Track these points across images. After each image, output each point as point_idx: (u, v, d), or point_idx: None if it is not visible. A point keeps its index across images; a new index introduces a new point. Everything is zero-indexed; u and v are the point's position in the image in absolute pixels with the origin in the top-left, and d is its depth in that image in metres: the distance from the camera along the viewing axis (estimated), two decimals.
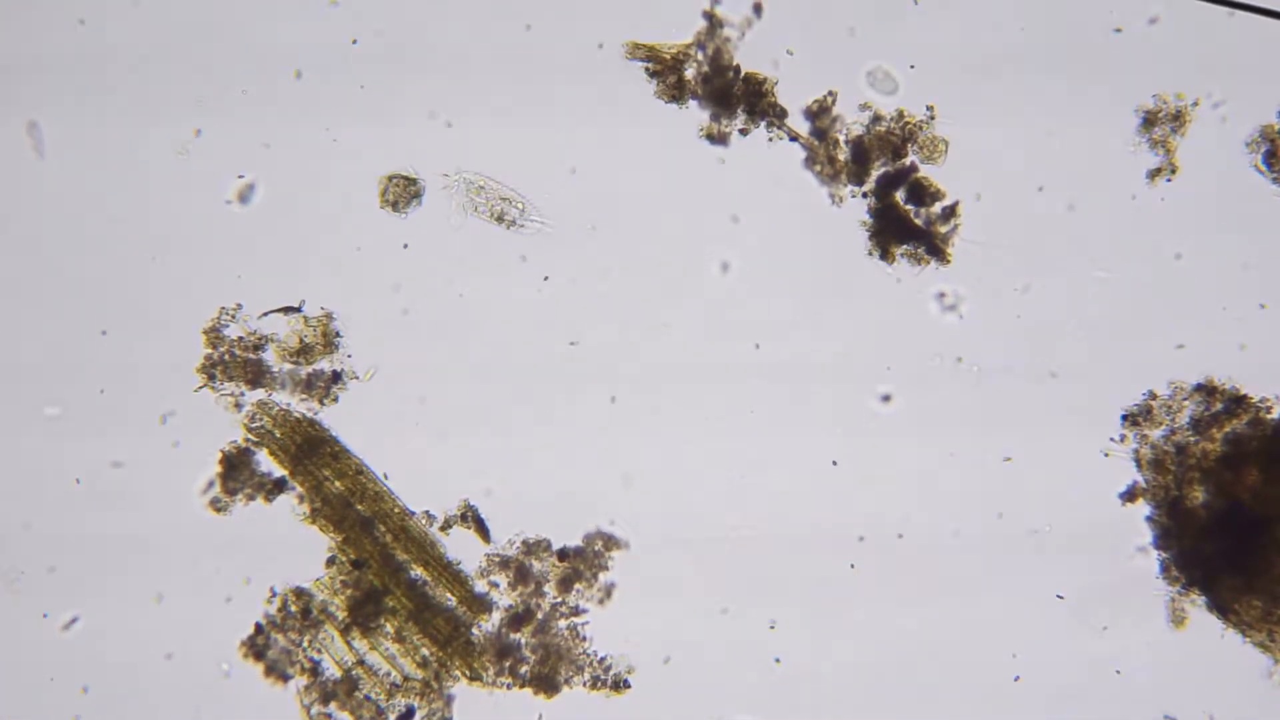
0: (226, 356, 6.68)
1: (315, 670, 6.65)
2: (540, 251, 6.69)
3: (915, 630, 6.57)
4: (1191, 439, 6.60)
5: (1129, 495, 6.62)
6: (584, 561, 6.68)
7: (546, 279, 6.54)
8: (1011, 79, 6.60)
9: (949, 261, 6.68)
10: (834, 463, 6.55)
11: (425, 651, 6.67)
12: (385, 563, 6.68)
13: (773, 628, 6.61)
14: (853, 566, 6.58)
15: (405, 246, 6.59)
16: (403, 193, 6.72)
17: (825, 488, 6.65)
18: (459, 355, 6.67)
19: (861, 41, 6.64)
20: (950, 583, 6.60)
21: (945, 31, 6.63)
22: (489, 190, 6.56)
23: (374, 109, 6.67)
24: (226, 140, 6.65)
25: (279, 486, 6.70)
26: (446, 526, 6.70)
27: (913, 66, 6.61)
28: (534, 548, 6.69)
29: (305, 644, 6.65)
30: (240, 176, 6.40)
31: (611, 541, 6.69)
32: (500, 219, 6.57)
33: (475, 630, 6.69)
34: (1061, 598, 6.52)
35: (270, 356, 6.71)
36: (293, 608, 6.64)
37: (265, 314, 6.69)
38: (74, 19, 6.58)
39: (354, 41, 6.25)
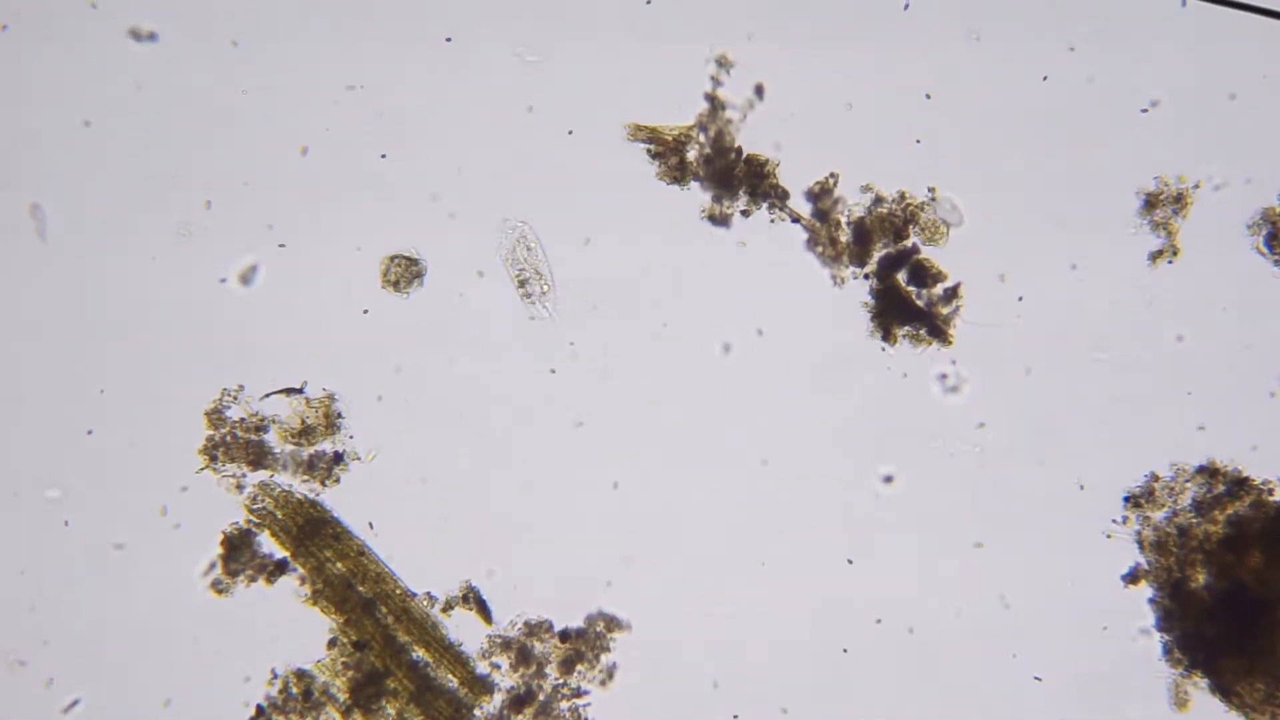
0: (228, 438, 6.68)
1: None
2: (541, 332, 6.69)
3: (919, 716, 6.56)
4: (1194, 521, 6.59)
5: (1131, 577, 6.61)
6: (586, 643, 6.67)
7: (553, 371, 6.56)
8: (1013, 160, 6.62)
9: (950, 343, 6.68)
10: (849, 560, 6.55)
11: None
12: (387, 644, 6.67)
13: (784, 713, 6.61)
14: (845, 650, 6.59)
15: (365, 312, 6.57)
16: (404, 273, 6.72)
17: (830, 568, 6.64)
18: (461, 436, 6.68)
19: (862, 120, 6.65)
20: (952, 665, 6.59)
21: (946, 112, 6.64)
22: (533, 254, 6.56)
23: (376, 190, 6.68)
24: (229, 221, 6.66)
25: (280, 568, 6.69)
26: (448, 608, 6.70)
27: (919, 141, 6.62)
28: (536, 629, 6.68)
29: None
30: (281, 245, 6.41)
31: (613, 623, 6.68)
32: (522, 284, 6.57)
33: (477, 712, 6.68)
34: (1039, 679, 6.51)
35: (272, 438, 6.71)
36: (294, 690, 6.63)
37: (267, 395, 6.69)
38: (79, 121, 6.60)
39: (383, 156, 6.28)
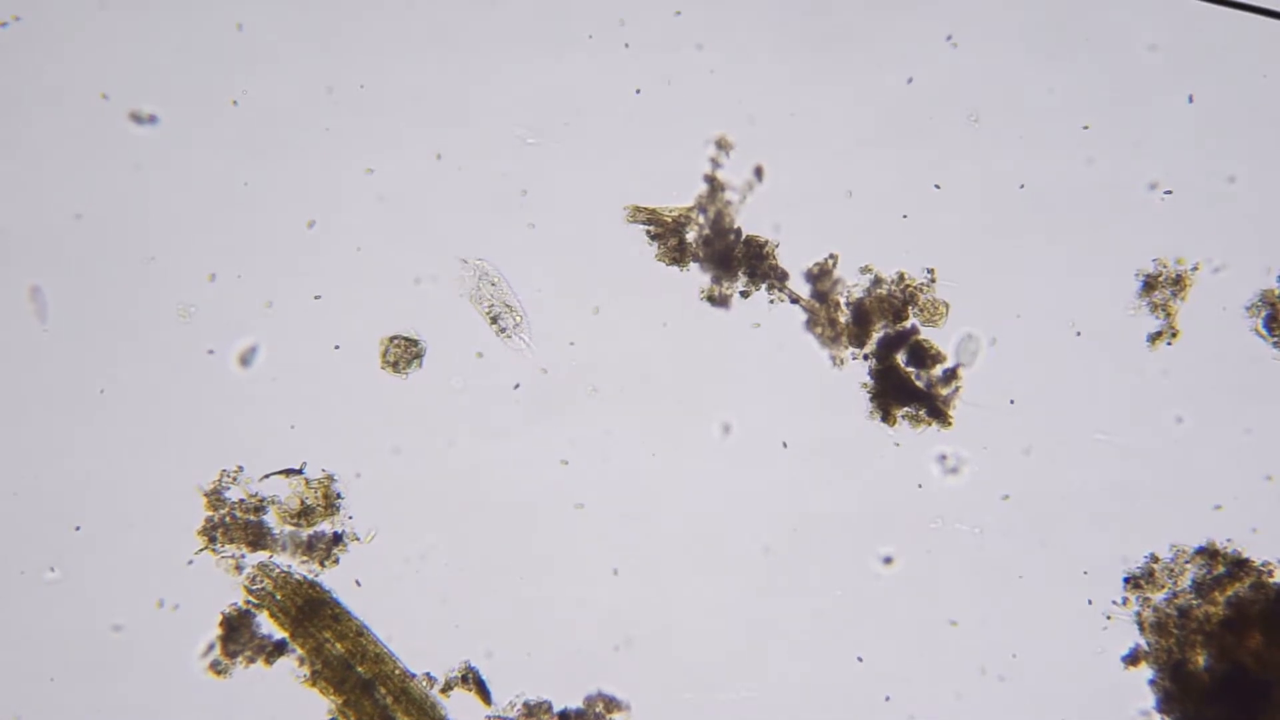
0: (227, 519, 6.67)
1: None
2: (542, 417, 6.69)
3: None
4: (1194, 602, 6.59)
5: (1131, 659, 6.60)
6: None
7: (565, 463, 6.57)
8: (1013, 242, 6.62)
9: (950, 424, 6.68)
10: (859, 659, 6.54)
11: None
12: None
13: None
14: None
15: (336, 347, 6.56)
16: (403, 354, 6.72)
17: (828, 649, 6.64)
18: (460, 517, 6.67)
19: (861, 205, 6.67)
20: None
21: (944, 193, 6.65)
22: (499, 289, 6.55)
23: (376, 271, 6.69)
24: (229, 302, 6.66)
25: (280, 649, 6.68)
26: (447, 688, 6.69)
27: (905, 216, 6.63)
28: (535, 709, 6.67)
29: None
30: (317, 297, 6.41)
31: (613, 704, 6.67)
32: (494, 321, 6.57)
33: None
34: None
35: (271, 519, 6.71)
36: None
37: (266, 476, 6.69)
38: (71, 214, 6.61)
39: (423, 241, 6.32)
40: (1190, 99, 5.84)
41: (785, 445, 6.37)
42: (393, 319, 6.71)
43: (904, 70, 6.61)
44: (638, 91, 6.18)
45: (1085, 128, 6.19)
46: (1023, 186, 6.08)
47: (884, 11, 6.63)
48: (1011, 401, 6.27)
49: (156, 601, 6.54)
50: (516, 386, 6.24)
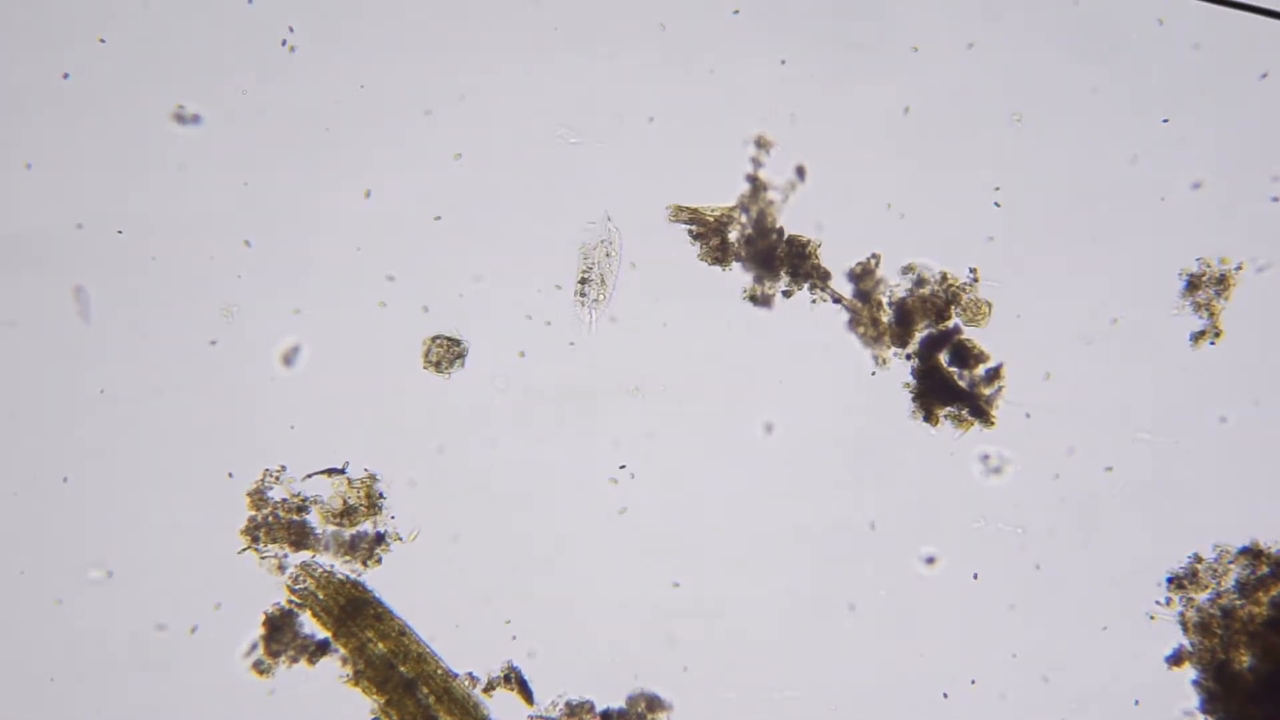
0: (270, 518, 6.68)
1: None
2: (585, 416, 6.69)
3: None
4: (1238, 602, 6.58)
5: (1175, 659, 6.60)
6: None
7: (624, 467, 6.58)
8: (1055, 240, 6.62)
9: (993, 424, 6.67)
10: (945, 695, 6.53)
11: None
12: None
13: None
14: None
15: (382, 304, 6.54)
16: (446, 354, 6.73)
17: (871, 648, 6.64)
18: (503, 517, 6.67)
19: (903, 204, 6.66)
20: None
21: (987, 192, 6.65)
22: (609, 262, 6.52)
23: (419, 270, 6.70)
24: (267, 305, 6.67)
25: (322, 648, 6.69)
26: (490, 688, 6.69)
27: (898, 213, 6.62)
28: (577, 709, 6.67)
29: None
30: (382, 304, 6.41)
31: (655, 703, 6.67)
32: (582, 281, 6.55)
33: None
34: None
35: (314, 518, 6.72)
36: None
37: (309, 476, 6.70)
38: (114, 214, 6.63)
39: (437, 217, 6.30)
40: (1264, 75, 5.79)
41: (873, 527, 6.43)
42: (436, 319, 6.71)
43: (946, 70, 6.61)
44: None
45: (1165, 121, 6.15)
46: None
47: (927, 11, 6.63)
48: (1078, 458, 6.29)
49: (190, 628, 6.56)
50: (622, 467, 6.25)
